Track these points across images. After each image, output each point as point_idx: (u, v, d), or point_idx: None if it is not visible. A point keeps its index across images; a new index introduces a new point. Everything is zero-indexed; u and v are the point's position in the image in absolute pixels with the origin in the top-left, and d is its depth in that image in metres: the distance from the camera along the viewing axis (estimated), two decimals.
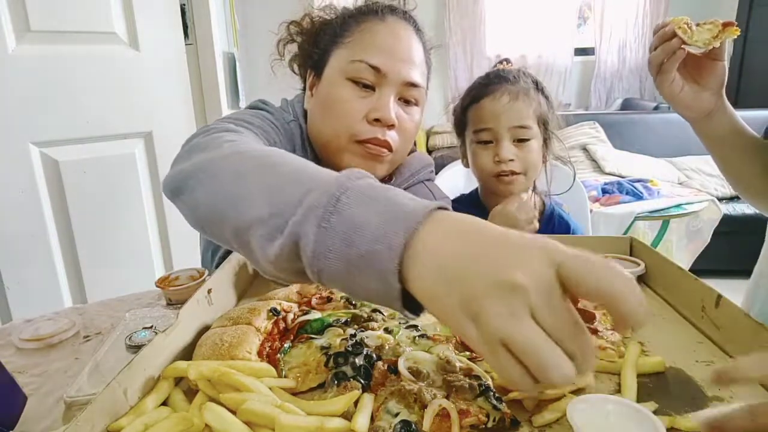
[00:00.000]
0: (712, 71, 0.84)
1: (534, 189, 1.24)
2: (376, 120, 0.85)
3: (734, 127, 0.90)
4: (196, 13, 1.89)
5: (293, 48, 0.99)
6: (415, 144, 1.03)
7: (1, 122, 1.40)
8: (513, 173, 1.13)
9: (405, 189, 1.00)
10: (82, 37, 1.52)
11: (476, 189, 1.30)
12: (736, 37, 0.80)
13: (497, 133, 1.12)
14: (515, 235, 0.38)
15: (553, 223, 1.23)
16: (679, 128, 3.65)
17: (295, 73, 1.01)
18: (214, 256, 1.02)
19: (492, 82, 1.16)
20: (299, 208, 0.45)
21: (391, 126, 0.87)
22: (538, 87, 1.16)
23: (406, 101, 0.90)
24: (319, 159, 0.95)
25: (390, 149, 0.89)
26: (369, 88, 0.87)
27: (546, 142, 1.18)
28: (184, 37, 1.80)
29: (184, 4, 1.82)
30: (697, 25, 0.82)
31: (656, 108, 4.11)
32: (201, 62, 1.93)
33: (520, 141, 1.13)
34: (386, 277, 0.40)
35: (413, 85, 0.89)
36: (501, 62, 1.26)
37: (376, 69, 0.85)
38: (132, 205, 1.71)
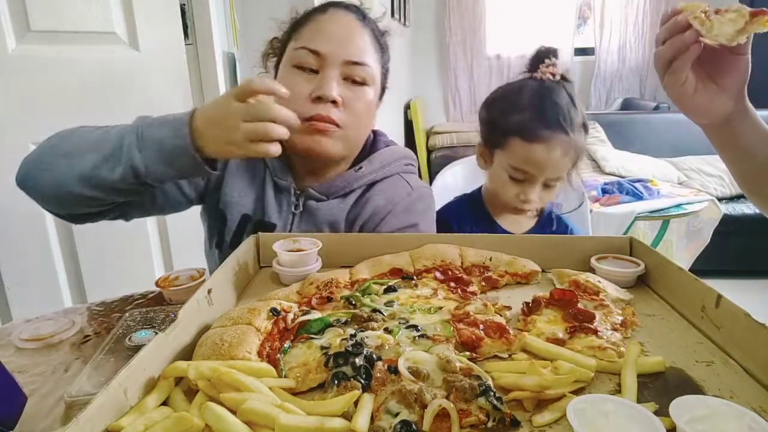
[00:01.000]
0: (733, 68, 0.69)
1: None
2: (319, 98, 0.92)
3: (758, 135, 0.74)
4: (196, 13, 1.89)
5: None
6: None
7: (1, 122, 1.40)
8: (530, 210, 1.19)
9: (379, 180, 1.05)
10: (82, 37, 1.52)
11: (478, 189, 1.30)
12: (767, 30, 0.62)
13: (534, 179, 1.12)
14: (220, 101, 0.80)
15: (551, 223, 1.24)
16: (679, 128, 3.65)
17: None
18: (210, 246, 1.07)
19: (551, 126, 1.07)
20: (122, 149, 0.81)
21: (334, 102, 0.93)
22: (584, 124, 1.13)
23: (353, 81, 0.96)
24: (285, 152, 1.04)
25: (336, 125, 0.94)
26: (314, 72, 0.94)
27: (568, 174, 1.18)
28: (184, 37, 1.80)
29: (184, 4, 1.82)
30: (716, 12, 0.65)
31: (656, 108, 4.11)
32: (201, 62, 1.93)
33: (548, 186, 1.15)
34: (188, 153, 0.79)
35: (356, 63, 0.94)
36: (548, 57, 1.11)
37: (315, 53, 0.93)
38: None
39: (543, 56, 1.12)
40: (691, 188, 3.20)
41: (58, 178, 0.85)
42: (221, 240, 1.03)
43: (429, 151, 4.34)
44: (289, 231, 1.01)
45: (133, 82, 1.63)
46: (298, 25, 0.99)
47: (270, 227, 1.00)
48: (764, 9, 0.61)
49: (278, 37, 1.04)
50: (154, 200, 0.99)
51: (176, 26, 1.73)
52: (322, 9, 0.99)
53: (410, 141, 4.20)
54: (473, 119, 5.12)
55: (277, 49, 1.04)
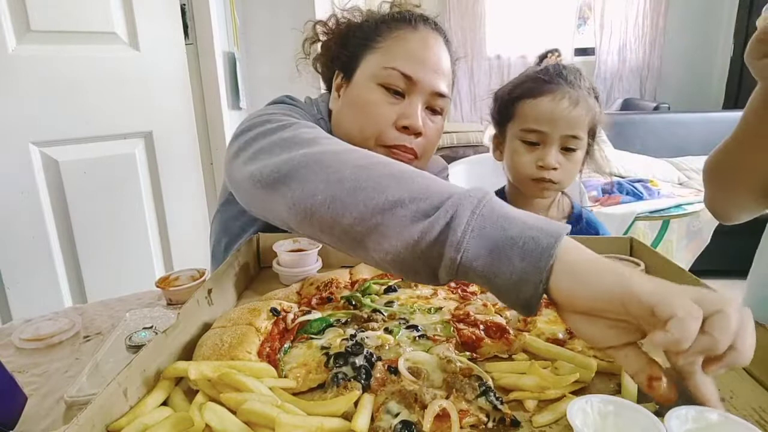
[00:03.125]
0: None
1: (562, 191, 1.19)
2: (405, 127, 0.87)
3: None
4: (196, 13, 1.89)
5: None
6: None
7: (1, 122, 1.40)
8: (551, 181, 1.07)
9: None
10: (82, 37, 1.52)
11: (502, 187, 1.23)
12: None
13: (547, 138, 1.05)
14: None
15: (581, 226, 1.17)
16: (679, 128, 3.65)
17: (317, 71, 1.02)
18: (228, 249, 1.03)
19: (552, 80, 1.06)
20: (450, 198, 0.50)
21: (418, 134, 0.89)
22: (594, 93, 1.08)
23: (432, 110, 0.92)
24: None
25: (416, 156, 0.91)
26: (399, 94, 0.88)
27: (588, 152, 1.11)
28: (184, 37, 1.80)
29: (184, 4, 1.82)
30: None
31: (656, 108, 4.11)
32: (201, 62, 1.93)
33: (567, 149, 1.06)
34: (538, 257, 0.45)
35: (440, 95, 0.90)
36: (551, 53, 1.15)
37: (407, 77, 0.87)
38: (132, 205, 1.71)
39: (546, 53, 1.15)
40: (691, 188, 3.20)
41: (338, 190, 0.56)
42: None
43: None
44: None
45: (133, 82, 1.63)
46: (378, 31, 0.92)
47: None
48: None
49: (323, 21, 0.99)
50: None
51: (176, 26, 1.74)
52: (412, 25, 0.92)
53: None
54: (473, 119, 5.11)
55: (322, 36, 0.98)
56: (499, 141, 1.17)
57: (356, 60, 0.92)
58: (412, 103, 0.88)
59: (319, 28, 0.99)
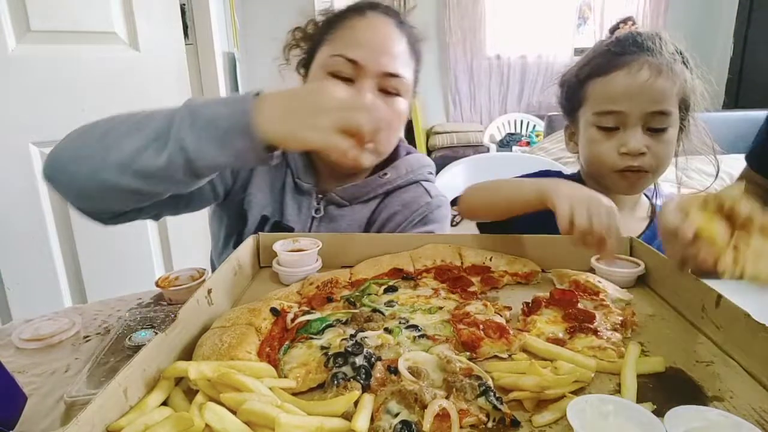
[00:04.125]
0: None
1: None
2: None
3: None
4: (196, 13, 1.89)
5: (296, 51, 1.04)
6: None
7: (1, 122, 1.40)
8: (641, 170, 0.91)
9: (401, 186, 1.03)
10: (82, 37, 1.52)
11: (577, 171, 1.08)
12: None
13: (627, 119, 0.88)
14: (310, 85, 0.87)
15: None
16: None
17: (301, 75, 1.03)
18: (227, 241, 1.05)
19: (627, 51, 0.90)
20: (171, 129, 0.70)
21: None
22: (681, 57, 0.92)
23: (387, 92, 0.93)
24: (309, 153, 1.00)
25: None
26: (349, 81, 0.90)
27: (683, 129, 0.95)
28: (184, 37, 1.80)
29: (184, 4, 1.82)
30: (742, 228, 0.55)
31: None
32: (201, 62, 1.94)
33: (655, 130, 0.89)
34: (247, 133, 0.68)
35: (392, 75, 0.92)
36: (623, 22, 1.00)
37: (353, 62, 0.89)
38: None
39: (618, 23, 1.01)
40: (691, 188, 3.19)
41: (93, 167, 0.74)
42: (239, 240, 1.01)
43: (429, 151, 4.35)
44: None
45: (133, 82, 1.63)
46: (332, 24, 0.95)
47: (288, 230, 0.99)
48: None
49: (301, 27, 1.01)
50: (190, 196, 0.93)
51: (176, 26, 1.74)
52: (360, 11, 0.94)
53: (410, 141, 4.20)
54: (473, 119, 5.12)
55: (300, 42, 1.01)
56: (571, 132, 1.02)
57: (313, 55, 0.96)
58: (362, 88, 0.89)
59: (297, 34, 1.02)
